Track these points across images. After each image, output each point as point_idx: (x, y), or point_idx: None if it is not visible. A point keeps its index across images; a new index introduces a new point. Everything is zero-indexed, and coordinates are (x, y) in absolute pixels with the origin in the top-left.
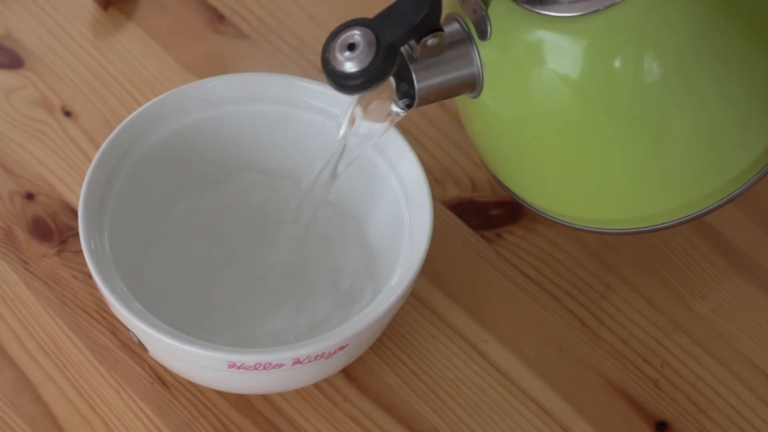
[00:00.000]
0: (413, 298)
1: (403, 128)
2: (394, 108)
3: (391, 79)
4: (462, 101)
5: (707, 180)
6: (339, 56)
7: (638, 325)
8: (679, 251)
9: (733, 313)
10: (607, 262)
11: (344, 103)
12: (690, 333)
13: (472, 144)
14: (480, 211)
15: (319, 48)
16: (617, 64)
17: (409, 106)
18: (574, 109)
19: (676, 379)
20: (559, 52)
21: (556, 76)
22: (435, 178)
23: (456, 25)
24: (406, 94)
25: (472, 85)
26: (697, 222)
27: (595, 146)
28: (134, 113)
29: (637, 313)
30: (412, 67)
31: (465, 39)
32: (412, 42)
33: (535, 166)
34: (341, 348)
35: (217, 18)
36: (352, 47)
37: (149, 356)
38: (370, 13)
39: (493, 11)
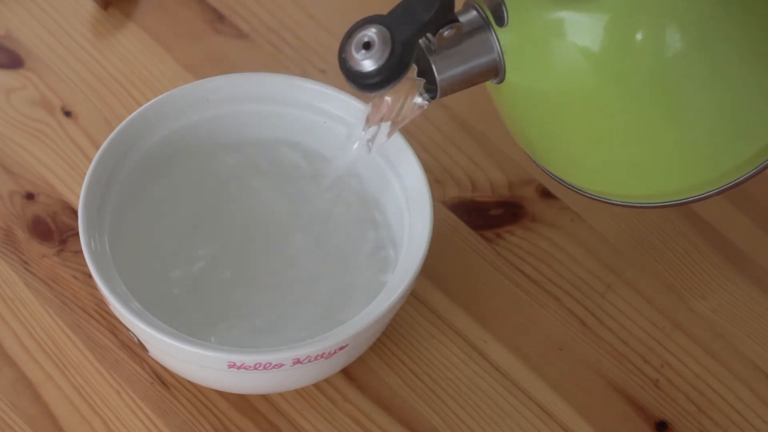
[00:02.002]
0: (413, 298)
1: (404, 129)
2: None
3: (415, 69)
4: (491, 87)
5: (733, 153)
6: (356, 55)
7: (638, 325)
8: (679, 251)
9: (733, 313)
10: (607, 262)
11: (344, 102)
12: (690, 333)
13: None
14: (480, 211)
15: (320, 48)
16: (639, 37)
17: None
18: (597, 86)
19: (676, 379)
20: (579, 31)
21: (578, 56)
22: (435, 178)
23: (474, 13)
24: (428, 85)
25: (495, 71)
26: (697, 222)
27: (620, 121)
28: (134, 113)
29: (637, 313)
30: (431, 59)
31: (483, 26)
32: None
33: (564, 144)
34: (341, 348)
35: (217, 18)
36: (367, 46)
37: (149, 356)
38: (371, 12)
39: None
